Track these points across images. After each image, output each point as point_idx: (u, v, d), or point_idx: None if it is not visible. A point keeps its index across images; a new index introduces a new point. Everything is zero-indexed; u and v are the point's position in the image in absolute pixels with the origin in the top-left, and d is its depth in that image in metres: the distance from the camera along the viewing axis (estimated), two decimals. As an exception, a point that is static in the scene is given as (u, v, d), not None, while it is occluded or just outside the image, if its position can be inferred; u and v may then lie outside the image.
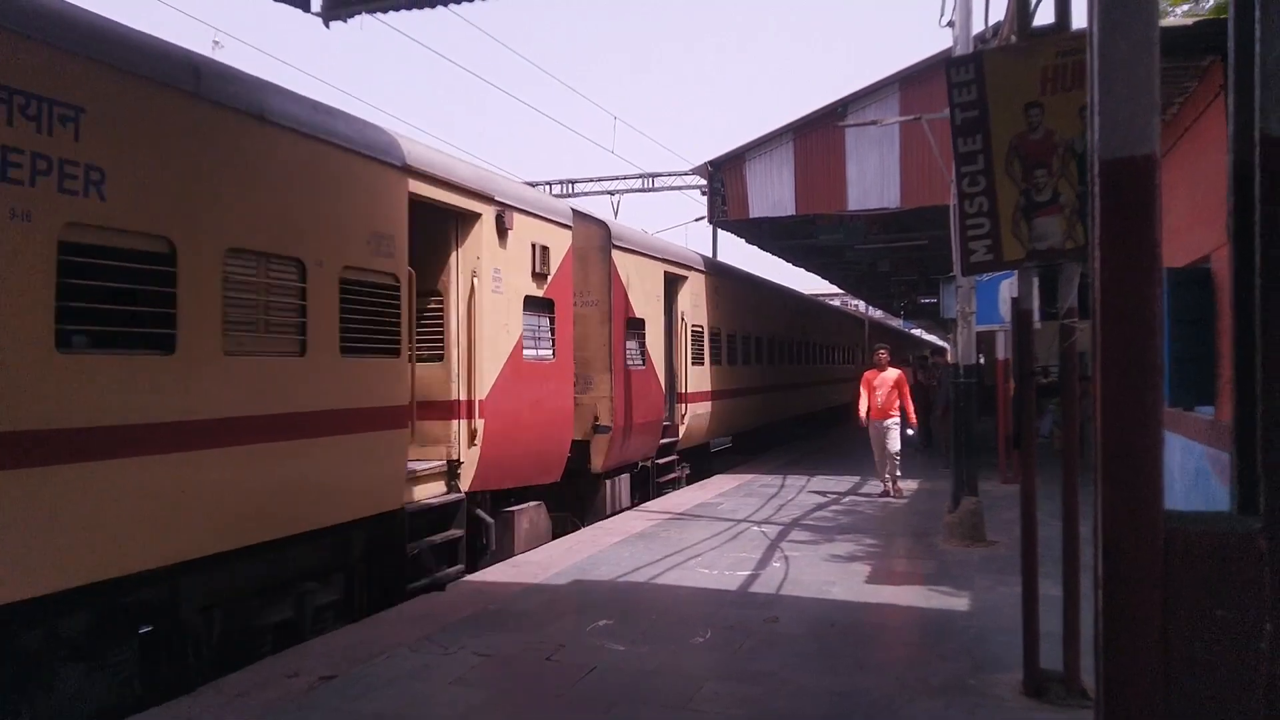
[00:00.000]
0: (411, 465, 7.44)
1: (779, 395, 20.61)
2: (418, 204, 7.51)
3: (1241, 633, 1.61)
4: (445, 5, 7.41)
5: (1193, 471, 8.12)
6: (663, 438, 13.20)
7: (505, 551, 8.80)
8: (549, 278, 9.44)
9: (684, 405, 14.05)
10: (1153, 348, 1.69)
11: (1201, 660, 1.62)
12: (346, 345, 6.55)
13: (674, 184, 25.24)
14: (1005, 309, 11.77)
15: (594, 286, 11.21)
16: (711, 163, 16.82)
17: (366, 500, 6.83)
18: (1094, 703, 1.76)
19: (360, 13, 7.36)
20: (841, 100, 15.67)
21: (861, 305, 42.79)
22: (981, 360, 17.24)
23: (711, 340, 15.61)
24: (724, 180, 16.82)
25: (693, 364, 14.40)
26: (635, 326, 12.02)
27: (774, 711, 4.70)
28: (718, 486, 13.56)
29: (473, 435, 8.06)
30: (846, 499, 12.02)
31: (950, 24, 9.39)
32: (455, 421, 8.05)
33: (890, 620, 6.55)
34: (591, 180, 25.42)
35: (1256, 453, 1.63)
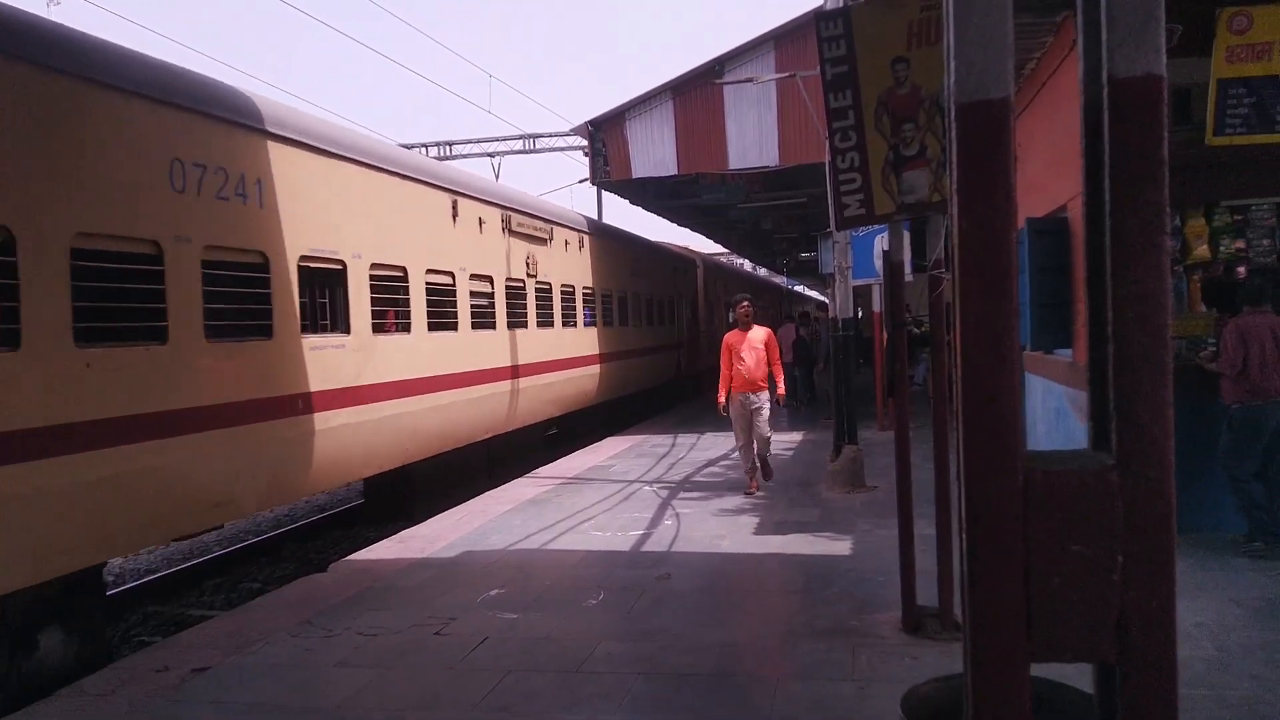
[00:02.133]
0: None
1: (467, 397, 10.62)
2: None
3: (1096, 566, 1.65)
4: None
5: (1054, 411, 8.60)
6: None
7: None
8: None
9: None
10: (1008, 289, 1.69)
11: (1060, 594, 1.66)
12: None
13: (555, 145, 24.83)
14: (880, 263, 12.11)
15: None
16: (592, 122, 16.62)
17: None
18: (962, 637, 1.78)
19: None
20: (718, 59, 15.69)
21: (748, 265, 43.48)
22: (859, 314, 17.83)
23: (137, 275, 5.84)
24: (605, 141, 16.66)
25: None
26: None
27: (667, 667, 4.73)
28: (610, 449, 13.58)
29: None
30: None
31: (821, -20, 9.47)
32: None
33: (777, 569, 6.71)
34: (470, 141, 24.72)
35: (1109, 391, 1.66)
